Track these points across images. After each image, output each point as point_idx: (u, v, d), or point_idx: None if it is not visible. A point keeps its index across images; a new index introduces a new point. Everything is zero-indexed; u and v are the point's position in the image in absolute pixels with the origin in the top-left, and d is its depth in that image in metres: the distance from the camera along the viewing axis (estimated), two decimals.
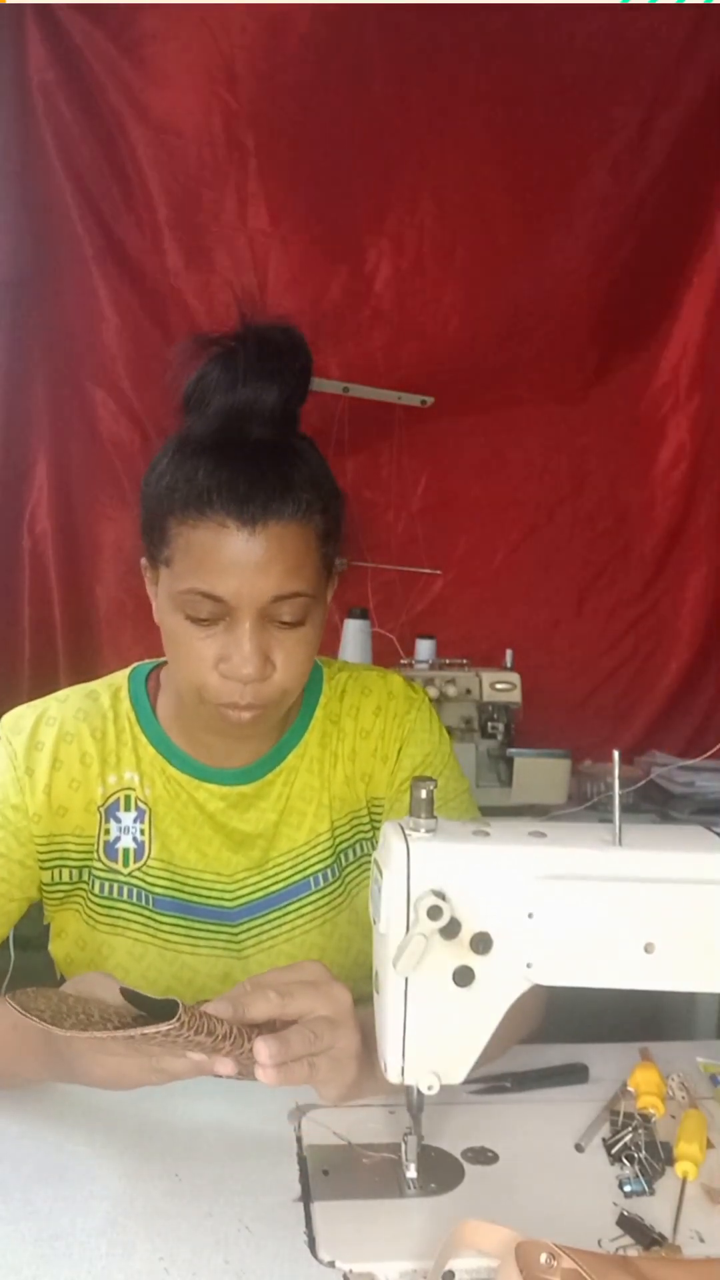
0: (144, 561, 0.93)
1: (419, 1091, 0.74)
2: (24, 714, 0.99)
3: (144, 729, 0.99)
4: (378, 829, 1.01)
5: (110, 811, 0.97)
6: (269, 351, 0.85)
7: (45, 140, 2.23)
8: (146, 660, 1.05)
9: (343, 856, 1.01)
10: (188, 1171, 0.76)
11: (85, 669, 2.19)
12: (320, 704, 1.02)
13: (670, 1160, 0.79)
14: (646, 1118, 0.84)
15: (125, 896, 0.98)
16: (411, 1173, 0.75)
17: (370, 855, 0.99)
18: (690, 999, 1.81)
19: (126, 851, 0.98)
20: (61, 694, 1.01)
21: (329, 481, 0.90)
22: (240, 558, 0.83)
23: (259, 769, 0.99)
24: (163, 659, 1.03)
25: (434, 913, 0.69)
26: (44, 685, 1.12)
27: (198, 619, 0.86)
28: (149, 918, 0.98)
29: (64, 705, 0.99)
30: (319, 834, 1.00)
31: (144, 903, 0.97)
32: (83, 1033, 0.69)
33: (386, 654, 2.27)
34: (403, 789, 1.00)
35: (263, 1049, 0.69)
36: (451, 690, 2.07)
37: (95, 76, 2.21)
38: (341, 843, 1.01)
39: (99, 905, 0.98)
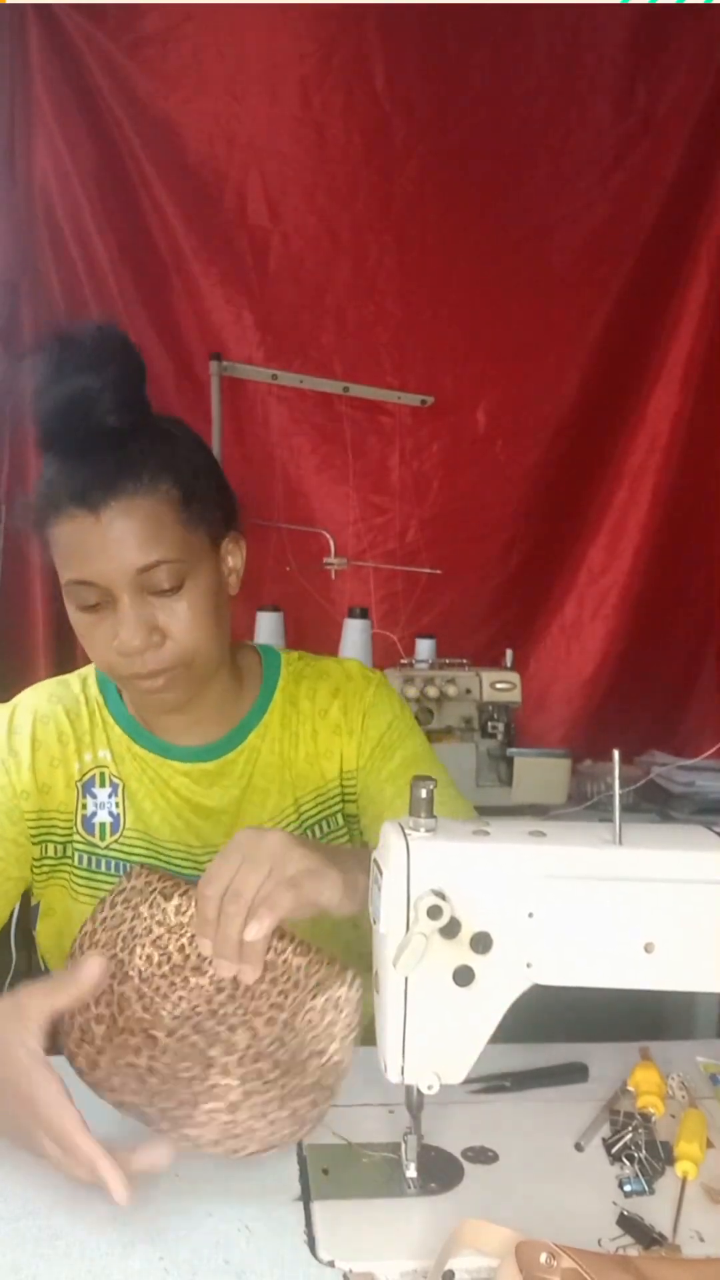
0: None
1: (419, 1091, 0.74)
2: (4, 706, 1.07)
3: (111, 711, 1.06)
4: (351, 802, 1.07)
5: (86, 787, 1.04)
6: (76, 350, 0.89)
7: (45, 140, 2.23)
8: None
9: (310, 833, 1.06)
10: (188, 1171, 0.76)
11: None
12: (279, 687, 1.08)
13: (670, 1160, 0.79)
14: (646, 1117, 0.84)
15: (105, 869, 1.03)
16: (411, 1172, 0.75)
17: (341, 831, 1.07)
18: (690, 999, 1.81)
19: (103, 825, 1.04)
20: (32, 687, 1.09)
21: (186, 450, 0.96)
22: (96, 541, 0.90)
23: (221, 747, 1.05)
24: None
25: (434, 912, 0.69)
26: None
27: (86, 607, 0.93)
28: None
29: (36, 693, 1.07)
30: (284, 809, 1.05)
31: (123, 874, 0.99)
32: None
33: (386, 654, 2.27)
34: (374, 757, 1.06)
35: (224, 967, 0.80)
36: (451, 690, 2.08)
37: (95, 76, 2.22)
38: (308, 819, 1.06)
39: (80, 877, 1.03)
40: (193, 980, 0.82)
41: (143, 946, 0.83)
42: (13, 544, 2.30)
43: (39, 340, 0.91)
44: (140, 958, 0.83)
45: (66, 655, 2.30)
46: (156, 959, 0.83)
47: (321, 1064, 0.77)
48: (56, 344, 0.89)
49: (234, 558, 1.01)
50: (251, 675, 1.09)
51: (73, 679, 1.09)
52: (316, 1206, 0.72)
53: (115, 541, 0.89)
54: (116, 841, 1.03)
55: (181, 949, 0.83)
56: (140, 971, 0.82)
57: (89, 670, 1.09)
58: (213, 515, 0.97)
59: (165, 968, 0.83)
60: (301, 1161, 0.78)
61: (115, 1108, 0.76)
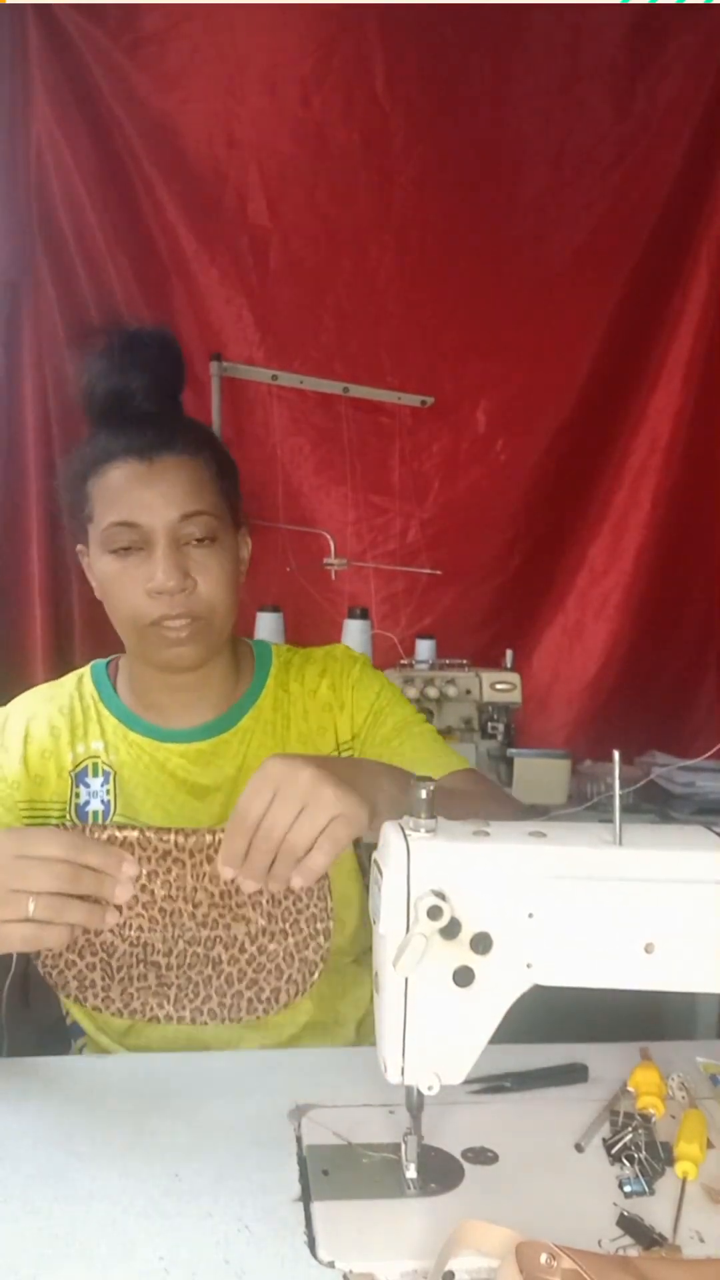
0: (79, 548, 1.07)
1: (419, 1091, 0.74)
2: (3, 710, 1.12)
3: (106, 704, 1.12)
4: None
5: (79, 777, 1.09)
6: (136, 346, 1.01)
7: (45, 140, 2.24)
8: (101, 658, 1.18)
9: None
10: (188, 1171, 0.76)
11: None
12: (271, 674, 1.15)
13: (670, 1160, 0.79)
14: (646, 1118, 0.84)
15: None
16: (411, 1173, 0.75)
17: None
18: (690, 999, 1.81)
19: (95, 814, 1.08)
20: (28, 691, 1.15)
21: (217, 443, 1.07)
22: (144, 486, 0.99)
23: (215, 728, 1.10)
24: (116, 655, 1.16)
25: (434, 913, 0.69)
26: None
27: (119, 549, 1.00)
28: None
29: (30, 695, 1.14)
30: None
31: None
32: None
33: (387, 654, 2.27)
34: (369, 724, 1.12)
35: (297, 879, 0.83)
36: (451, 690, 2.08)
37: (95, 76, 2.22)
38: None
39: None
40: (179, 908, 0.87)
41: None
42: (12, 547, 2.31)
43: (108, 331, 1.02)
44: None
45: (65, 659, 2.31)
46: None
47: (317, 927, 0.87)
48: (120, 337, 1.01)
49: (244, 549, 1.10)
50: (246, 665, 1.16)
51: (66, 680, 1.15)
52: (316, 1207, 0.72)
53: (162, 488, 0.99)
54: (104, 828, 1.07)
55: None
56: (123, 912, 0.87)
57: (83, 670, 1.16)
58: (235, 499, 1.07)
59: (153, 910, 0.87)
60: (302, 1162, 0.78)
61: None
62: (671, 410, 2.50)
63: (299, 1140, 0.81)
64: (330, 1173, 0.76)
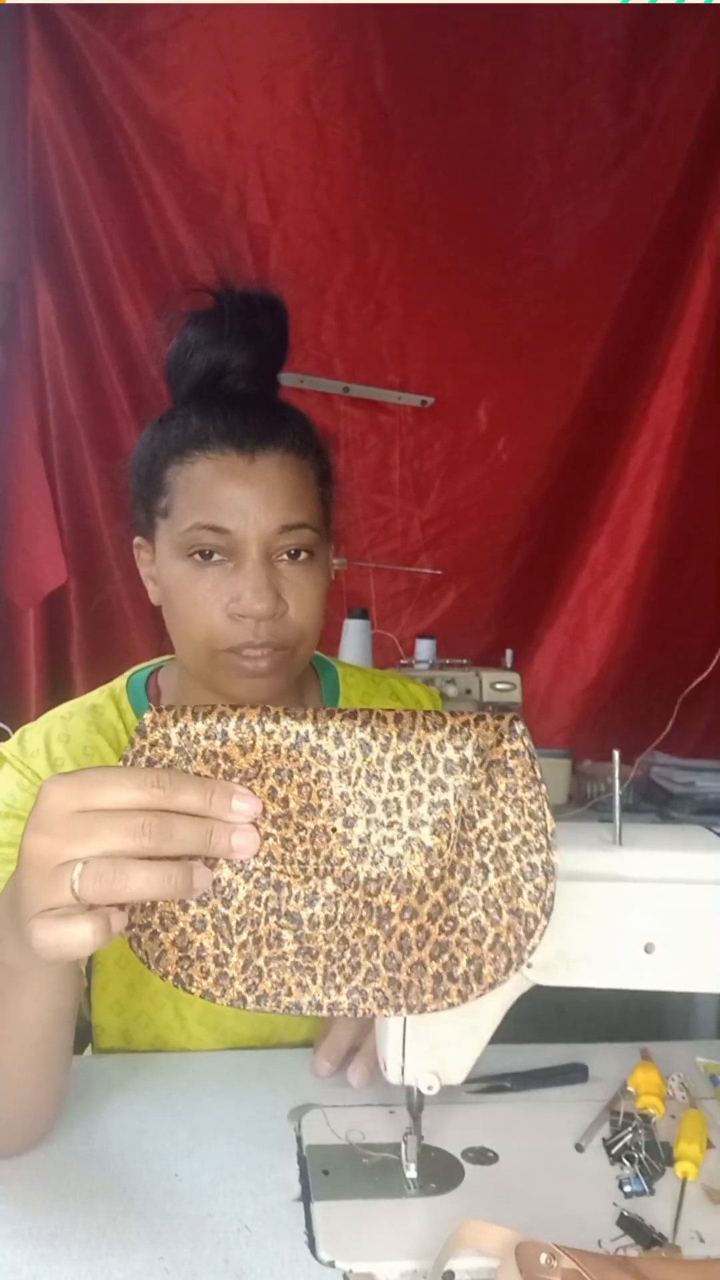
0: (137, 542, 0.92)
1: (419, 1091, 0.74)
2: (29, 736, 0.96)
3: None
4: None
5: None
6: (250, 312, 0.87)
7: (45, 139, 2.23)
8: (138, 667, 1.03)
9: None
10: (188, 1171, 0.76)
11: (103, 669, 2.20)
12: (340, 698, 1.02)
13: (670, 1160, 0.79)
14: (646, 1118, 0.84)
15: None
16: (411, 1173, 0.75)
17: None
18: (690, 999, 1.81)
19: None
20: (62, 710, 0.98)
21: (318, 435, 0.91)
22: (241, 487, 0.83)
23: None
24: (155, 663, 1.03)
25: None
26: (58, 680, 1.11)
27: (203, 558, 0.84)
28: None
29: (70, 721, 0.96)
30: None
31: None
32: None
33: (387, 654, 2.27)
34: None
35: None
36: (451, 690, 2.08)
37: (94, 75, 2.22)
38: None
39: None
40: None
41: None
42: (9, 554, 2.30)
43: (215, 292, 0.88)
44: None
45: (62, 662, 2.30)
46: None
47: None
48: (234, 300, 0.87)
49: (333, 566, 0.93)
50: (310, 688, 1.01)
51: (103, 703, 0.98)
52: (316, 1207, 0.72)
53: (263, 492, 0.83)
54: None
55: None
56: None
57: (119, 689, 0.99)
58: (331, 507, 0.91)
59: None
60: (302, 1162, 0.78)
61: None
62: (674, 410, 2.49)
63: (299, 1140, 0.81)
64: (330, 1173, 0.76)
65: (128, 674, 1.02)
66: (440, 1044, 0.72)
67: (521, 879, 0.59)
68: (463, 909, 0.59)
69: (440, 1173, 0.77)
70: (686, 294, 2.46)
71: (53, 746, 0.94)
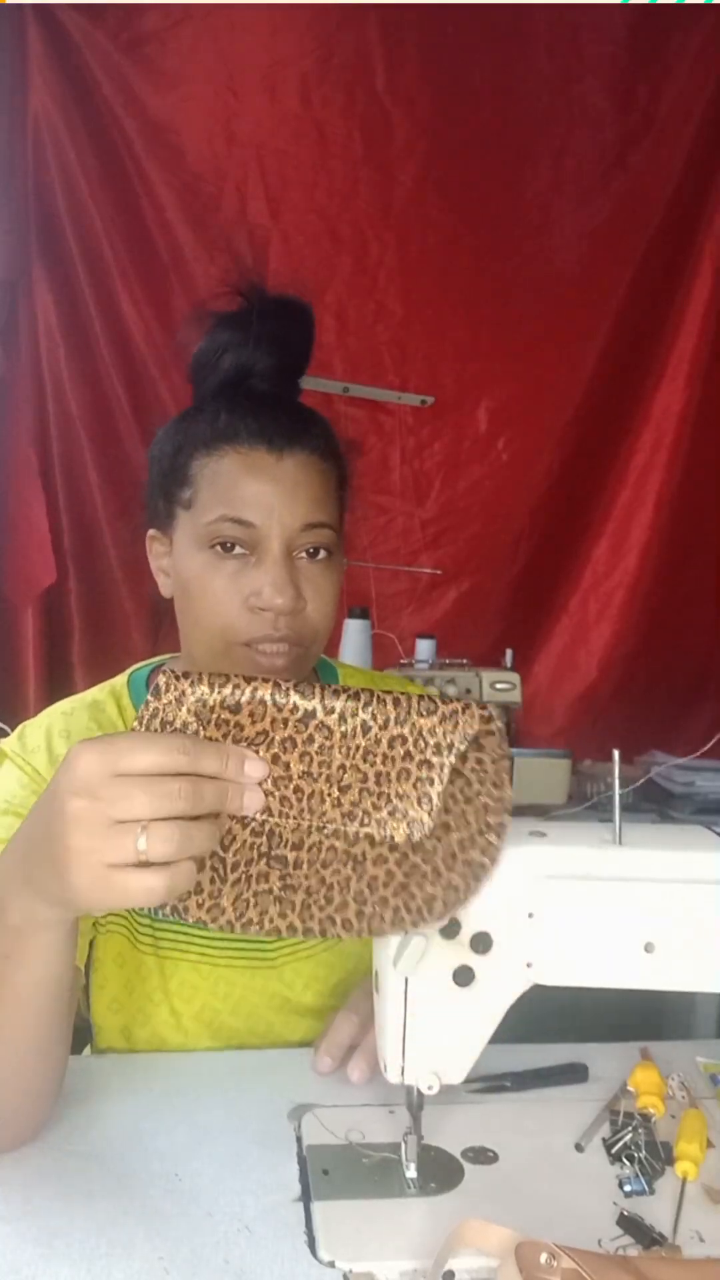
0: (151, 533, 0.94)
1: (419, 1091, 0.74)
2: (30, 732, 0.96)
3: None
4: None
5: None
6: (280, 316, 0.90)
7: (45, 139, 2.23)
8: (139, 664, 1.03)
9: None
10: (188, 1171, 0.76)
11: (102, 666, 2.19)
12: None
13: (670, 1160, 0.79)
14: (646, 1117, 0.84)
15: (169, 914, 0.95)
16: (411, 1173, 0.75)
17: None
18: (690, 999, 1.81)
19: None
20: (63, 706, 0.98)
21: (338, 441, 0.94)
22: (269, 483, 0.85)
23: None
24: (156, 661, 1.03)
25: None
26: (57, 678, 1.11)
27: (224, 550, 0.86)
28: (189, 933, 0.97)
29: (71, 718, 0.96)
30: None
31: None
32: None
33: (387, 654, 2.27)
34: None
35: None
36: (451, 690, 2.07)
37: (94, 75, 2.22)
38: None
39: (141, 925, 0.97)
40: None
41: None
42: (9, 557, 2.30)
43: (245, 293, 0.92)
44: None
45: (61, 662, 2.30)
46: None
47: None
48: (264, 305, 0.90)
49: (343, 569, 0.96)
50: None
51: (105, 700, 0.98)
52: (316, 1206, 0.72)
53: (289, 489, 0.85)
54: None
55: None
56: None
57: (120, 686, 1.00)
58: (345, 511, 0.95)
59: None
60: (302, 1162, 0.78)
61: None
62: (676, 409, 2.49)
63: (299, 1140, 0.81)
64: (330, 1172, 0.76)
65: (129, 671, 1.03)
66: (440, 1044, 0.72)
67: (478, 835, 0.68)
68: (424, 857, 0.68)
69: (440, 1172, 0.77)
70: (687, 293, 2.46)
71: (54, 742, 0.94)
